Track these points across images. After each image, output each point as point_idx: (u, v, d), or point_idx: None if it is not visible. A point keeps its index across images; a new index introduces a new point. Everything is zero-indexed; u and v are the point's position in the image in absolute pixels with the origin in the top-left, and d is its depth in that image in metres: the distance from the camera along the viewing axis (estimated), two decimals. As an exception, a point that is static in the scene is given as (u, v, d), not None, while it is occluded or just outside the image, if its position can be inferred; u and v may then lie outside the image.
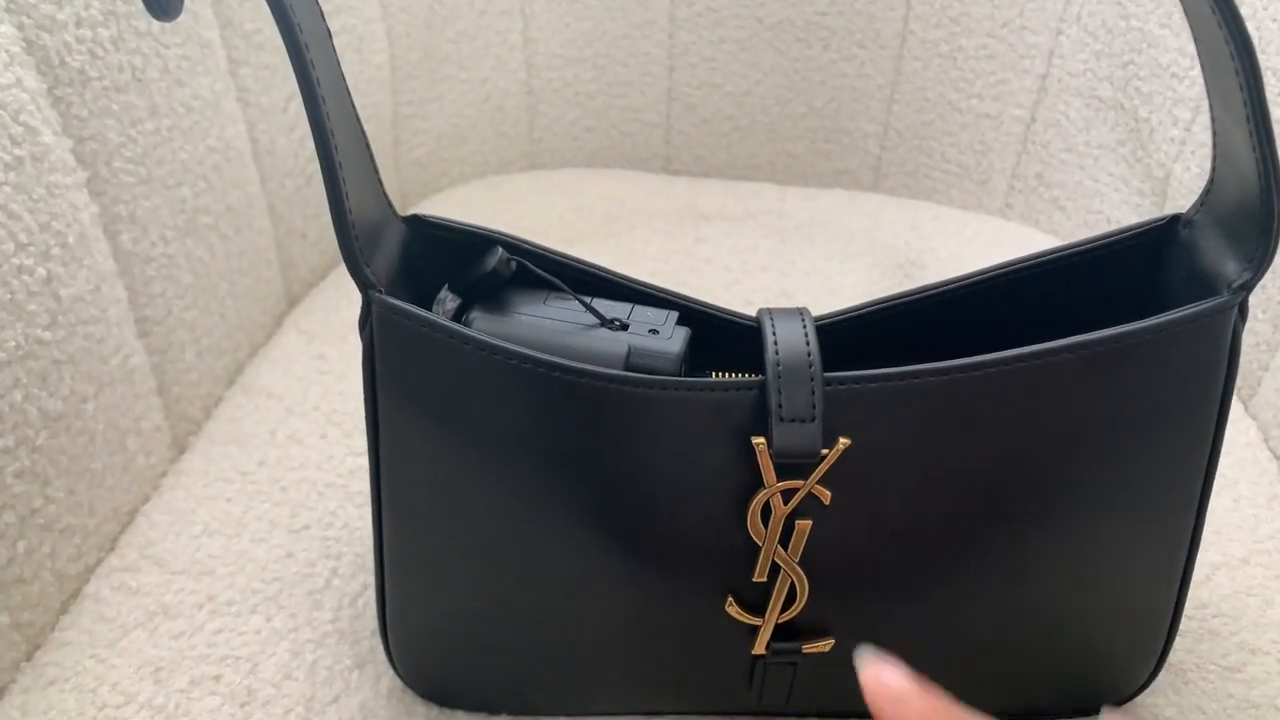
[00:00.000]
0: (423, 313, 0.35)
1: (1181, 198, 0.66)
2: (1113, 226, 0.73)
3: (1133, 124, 0.70)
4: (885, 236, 0.74)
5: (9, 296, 0.41)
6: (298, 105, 0.63)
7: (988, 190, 0.79)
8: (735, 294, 0.68)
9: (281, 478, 0.52)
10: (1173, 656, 0.44)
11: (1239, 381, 0.52)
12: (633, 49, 0.79)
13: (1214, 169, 0.37)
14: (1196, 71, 0.65)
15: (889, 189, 0.82)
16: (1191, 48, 0.65)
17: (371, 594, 0.47)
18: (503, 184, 0.79)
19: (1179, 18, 0.66)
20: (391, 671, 0.44)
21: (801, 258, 0.71)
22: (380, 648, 0.45)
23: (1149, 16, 0.67)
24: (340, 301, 0.65)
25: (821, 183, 0.83)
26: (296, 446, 0.54)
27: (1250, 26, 0.60)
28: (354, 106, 0.35)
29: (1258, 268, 0.34)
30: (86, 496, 0.46)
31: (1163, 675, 0.44)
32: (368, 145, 0.36)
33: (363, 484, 0.52)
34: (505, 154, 0.80)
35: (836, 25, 0.77)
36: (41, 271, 0.43)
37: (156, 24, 0.51)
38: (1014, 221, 0.78)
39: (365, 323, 0.36)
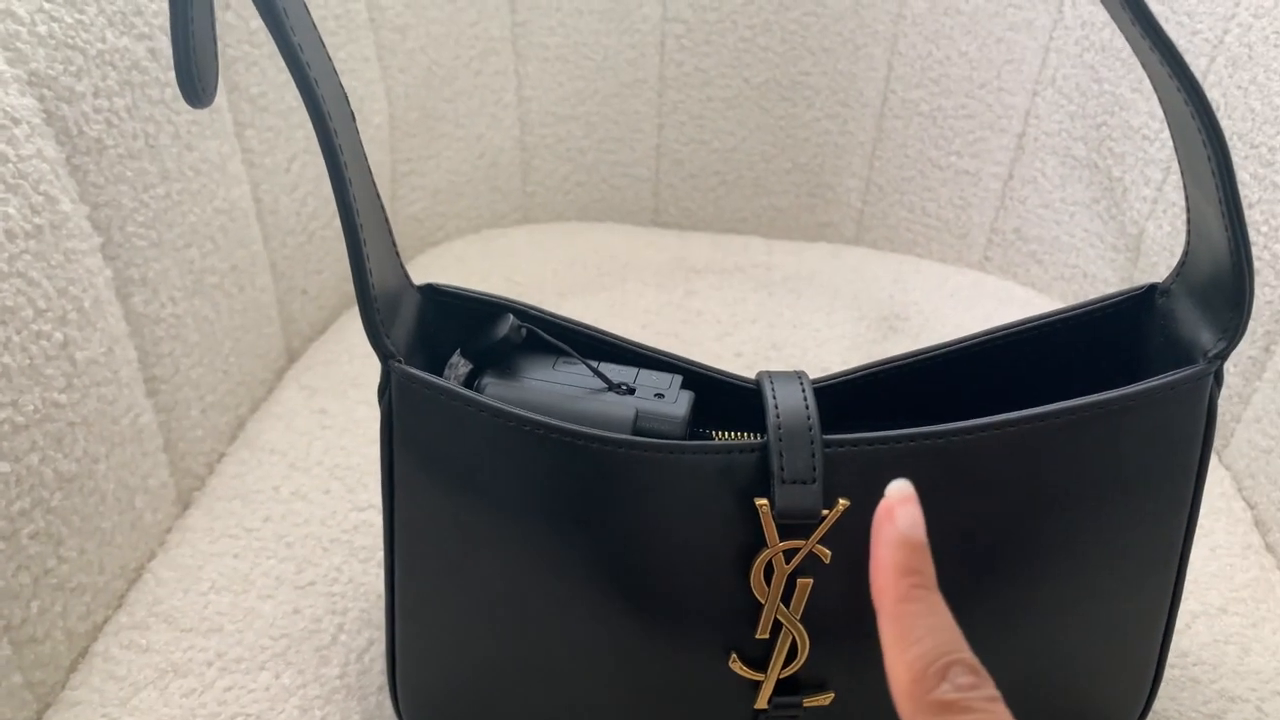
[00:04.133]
0: (440, 381, 0.36)
1: (1154, 254, 0.69)
2: (1088, 280, 0.75)
3: (1106, 182, 0.73)
4: (869, 289, 0.76)
5: (28, 362, 0.42)
6: (299, 165, 0.64)
7: (967, 244, 0.82)
8: (726, 346, 0.69)
9: (286, 534, 0.53)
10: (1156, 704, 0.46)
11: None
12: (623, 107, 0.81)
13: (1188, 243, 0.39)
14: (1166, 135, 0.68)
15: (871, 241, 0.84)
16: (1161, 111, 0.68)
17: (377, 649, 0.48)
18: (497, 237, 0.81)
19: (1148, 83, 0.69)
20: (399, 727, 0.44)
21: (789, 310, 0.73)
22: (387, 703, 0.45)
23: (1121, 81, 0.70)
24: (340, 356, 0.66)
25: (805, 235, 0.85)
26: (300, 502, 0.55)
27: (1216, 94, 0.63)
28: (374, 182, 0.37)
29: (1231, 338, 0.36)
30: (97, 555, 0.47)
31: (1147, 723, 0.46)
32: (386, 219, 0.38)
33: (366, 539, 0.53)
34: (499, 208, 0.82)
35: (820, 85, 0.80)
36: (59, 336, 0.44)
37: (169, 92, 0.52)
38: (993, 275, 0.81)
39: (384, 390, 0.37)
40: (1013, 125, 0.77)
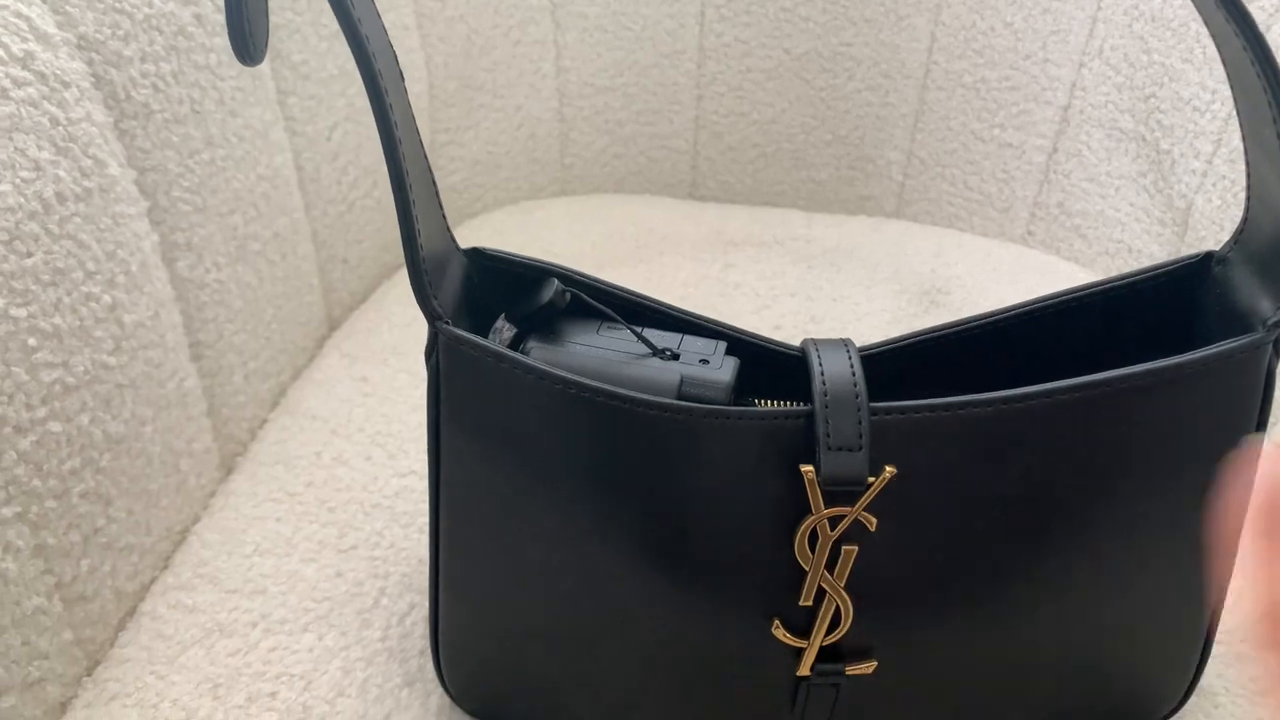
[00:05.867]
0: (487, 343, 0.36)
1: (1203, 229, 0.67)
2: (1133, 255, 0.74)
3: (1154, 155, 0.71)
4: (910, 263, 0.76)
5: (78, 323, 0.43)
6: (340, 134, 0.64)
7: (1010, 218, 0.80)
8: (764, 319, 0.69)
9: (329, 499, 0.53)
10: (1203, 680, 0.45)
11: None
12: (661, 78, 0.80)
13: (1248, 209, 0.38)
14: (1218, 105, 0.66)
15: (912, 215, 0.83)
16: (1213, 82, 0.66)
17: (418, 613, 0.48)
18: (535, 209, 0.81)
19: (1200, 53, 0.67)
20: (440, 689, 0.45)
21: (829, 283, 0.73)
22: (429, 665, 0.46)
23: (1171, 51, 0.69)
24: (380, 325, 0.66)
25: (845, 209, 0.84)
26: (342, 468, 0.55)
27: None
28: (422, 146, 0.37)
29: (1293, 306, 0.35)
30: (144, 516, 0.48)
31: (1194, 699, 0.45)
32: (434, 182, 0.37)
33: (408, 505, 0.53)
34: (537, 180, 0.82)
35: (862, 56, 0.79)
36: (108, 299, 0.44)
37: (214, 57, 0.52)
38: (1036, 249, 0.79)
39: (431, 351, 0.37)
40: (1058, 97, 0.76)
